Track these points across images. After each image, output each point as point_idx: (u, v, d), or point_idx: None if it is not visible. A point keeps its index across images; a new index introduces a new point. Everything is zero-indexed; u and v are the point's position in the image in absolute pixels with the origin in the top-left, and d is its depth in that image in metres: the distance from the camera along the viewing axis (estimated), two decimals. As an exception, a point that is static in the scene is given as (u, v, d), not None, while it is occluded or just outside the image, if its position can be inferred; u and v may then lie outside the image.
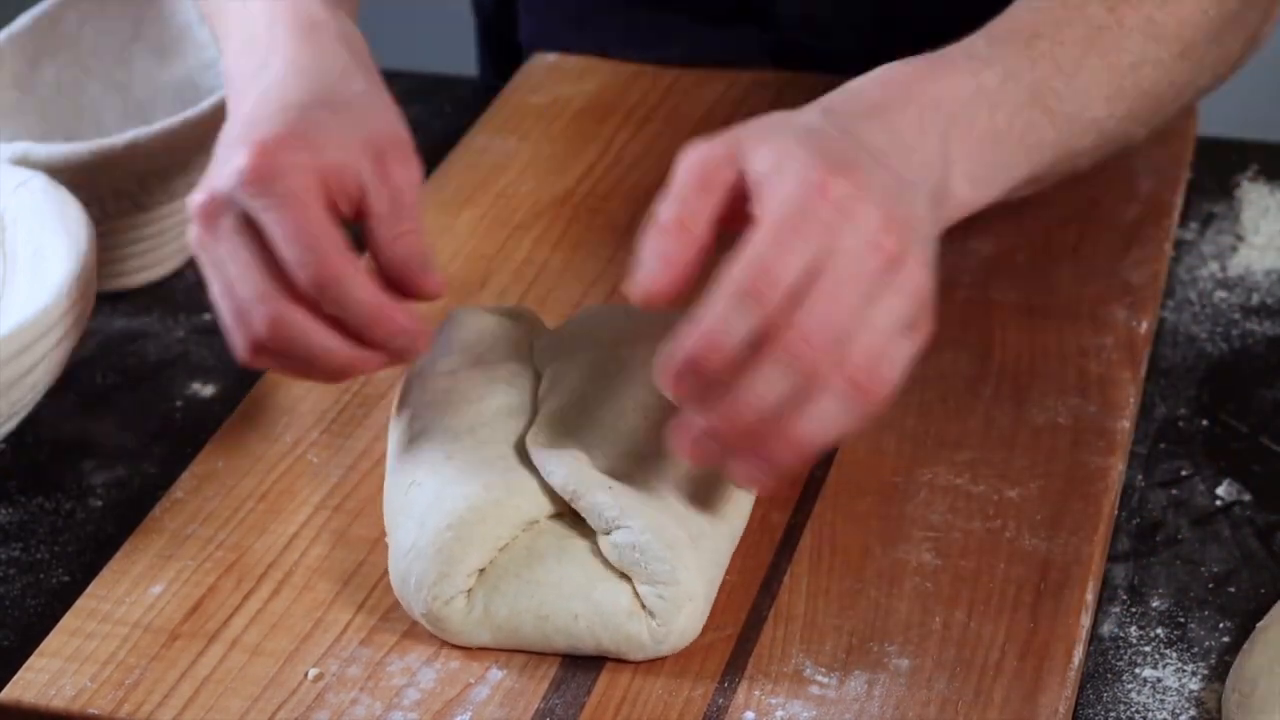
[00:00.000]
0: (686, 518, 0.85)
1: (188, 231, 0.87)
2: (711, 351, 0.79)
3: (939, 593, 0.88)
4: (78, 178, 1.08)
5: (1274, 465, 0.99)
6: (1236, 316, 1.10)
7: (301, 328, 0.84)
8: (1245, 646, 0.86)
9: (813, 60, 1.29)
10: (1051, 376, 1.01)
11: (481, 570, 0.85)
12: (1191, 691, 0.86)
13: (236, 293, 0.85)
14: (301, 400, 1.01)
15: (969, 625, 0.86)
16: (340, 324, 0.85)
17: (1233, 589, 0.92)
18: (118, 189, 1.12)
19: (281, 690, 0.84)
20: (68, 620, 0.88)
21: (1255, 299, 1.12)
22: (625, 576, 0.84)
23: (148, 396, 1.07)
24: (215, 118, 1.07)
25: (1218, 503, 0.97)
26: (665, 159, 1.22)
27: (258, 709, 0.83)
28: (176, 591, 0.90)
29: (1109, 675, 0.87)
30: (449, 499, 0.86)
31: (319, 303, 0.84)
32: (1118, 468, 0.95)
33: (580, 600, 0.84)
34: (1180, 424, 1.02)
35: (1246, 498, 0.97)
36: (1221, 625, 0.90)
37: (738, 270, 0.78)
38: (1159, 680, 0.87)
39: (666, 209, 0.82)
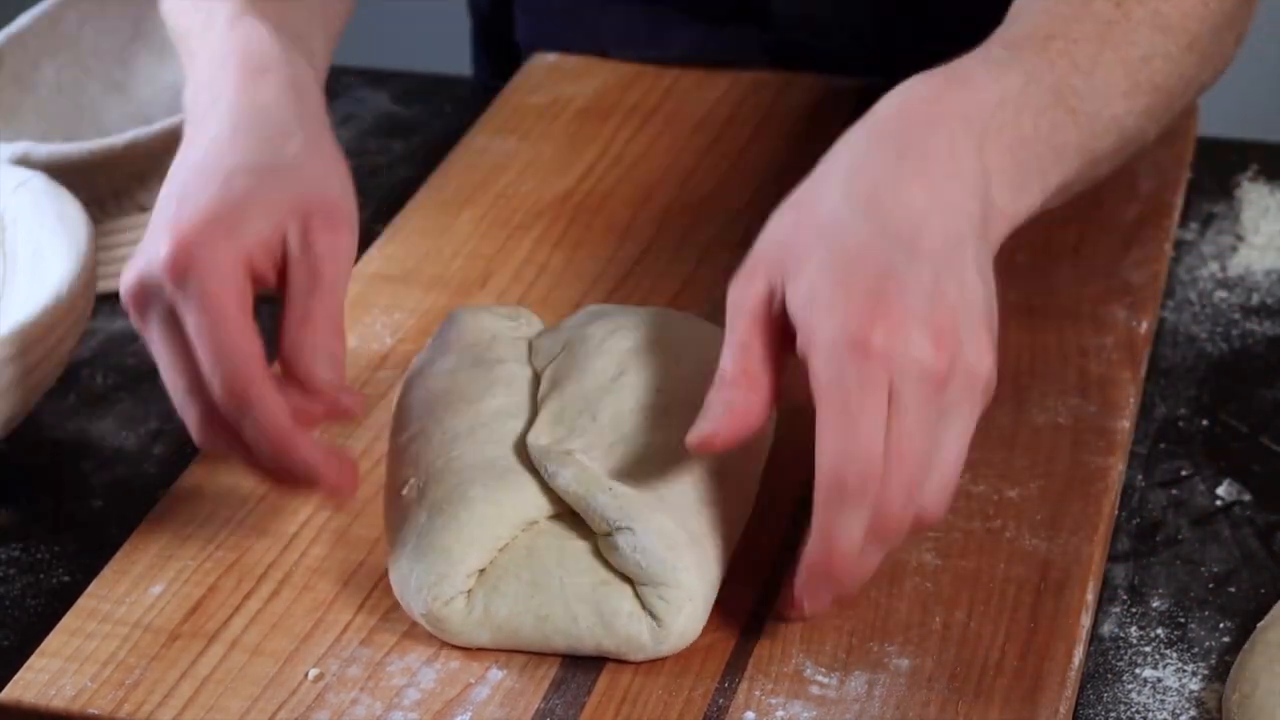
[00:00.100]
0: (687, 519, 0.85)
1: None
2: (843, 564, 0.81)
3: (939, 593, 0.88)
4: (78, 178, 1.08)
5: (1274, 465, 0.99)
6: (1236, 316, 1.10)
7: (226, 434, 0.85)
8: (1245, 646, 0.86)
9: (811, 59, 1.30)
10: (1051, 376, 1.01)
11: (481, 571, 0.85)
12: (1192, 692, 0.86)
13: (172, 381, 0.86)
14: (301, 400, 1.01)
15: (969, 625, 0.86)
16: None
17: (1233, 589, 0.92)
18: (118, 189, 1.12)
19: (281, 690, 0.84)
20: (68, 620, 0.88)
21: (1255, 299, 1.12)
22: (625, 578, 0.84)
23: (148, 396, 1.07)
24: (215, 118, 1.07)
25: (1218, 503, 0.97)
26: (665, 159, 1.23)
27: (258, 709, 0.83)
28: (176, 591, 0.90)
29: (1109, 675, 0.87)
30: (449, 500, 0.85)
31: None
32: (1118, 468, 0.95)
33: (580, 602, 0.84)
34: (1180, 424, 1.02)
35: (1246, 498, 0.97)
36: (1222, 625, 0.90)
37: (828, 474, 0.79)
38: (1159, 680, 0.87)
39: (729, 360, 0.83)
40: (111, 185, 1.11)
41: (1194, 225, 1.18)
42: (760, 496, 0.91)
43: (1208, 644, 0.89)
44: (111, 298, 1.15)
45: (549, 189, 1.19)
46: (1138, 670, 0.87)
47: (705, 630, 0.85)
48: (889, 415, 0.79)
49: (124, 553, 0.92)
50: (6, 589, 0.94)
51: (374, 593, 0.89)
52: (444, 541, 0.84)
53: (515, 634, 0.85)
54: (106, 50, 1.24)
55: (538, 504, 0.86)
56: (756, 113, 1.27)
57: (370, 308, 1.08)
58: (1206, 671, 0.87)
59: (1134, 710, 0.85)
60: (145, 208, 1.14)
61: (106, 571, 0.91)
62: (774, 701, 0.83)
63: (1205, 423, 1.03)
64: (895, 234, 0.82)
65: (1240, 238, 1.17)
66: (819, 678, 0.84)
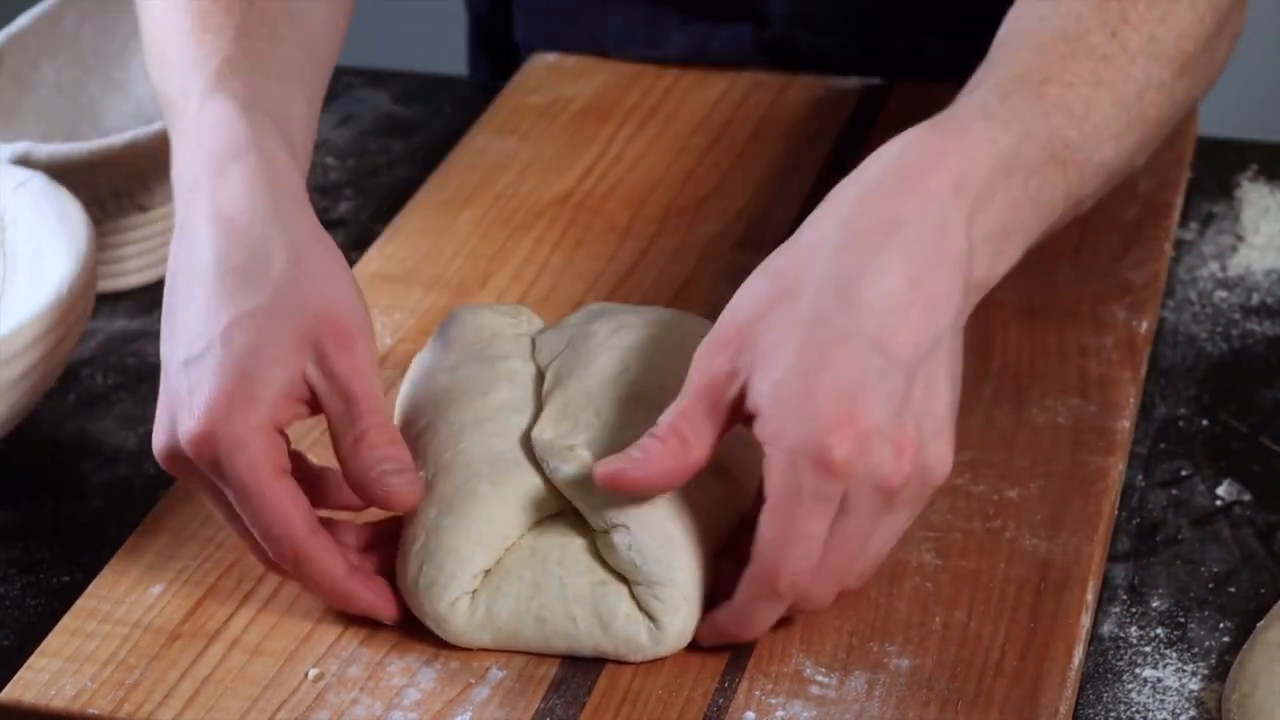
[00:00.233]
0: (686, 517, 0.85)
1: None
2: (751, 635, 0.85)
3: (939, 593, 0.88)
4: (78, 178, 1.08)
5: (1274, 465, 0.99)
6: (1236, 316, 1.10)
7: (292, 576, 0.86)
8: (1245, 646, 0.86)
9: (810, 59, 1.30)
10: (1051, 376, 1.01)
11: (487, 571, 0.85)
12: (1191, 691, 0.86)
13: (227, 527, 0.86)
14: (301, 400, 1.01)
15: (969, 625, 0.86)
16: None
17: (1233, 589, 0.92)
18: (118, 189, 1.12)
19: (282, 690, 0.84)
20: (68, 620, 0.88)
21: (1255, 299, 1.12)
22: (624, 578, 0.84)
23: (148, 396, 1.07)
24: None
25: (1218, 503, 0.97)
26: (665, 159, 1.23)
27: (258, 709, 0.83)
28: (176, 591, 0.89)
29: (1109, 675, 0.87)
30: (459, 496, 0.85)
31: None
32: (1118, 468, 0.95)
33: (578, 603, 0.84)
34: (1180, 424, 1.02)
35: (1246, 498, 0.97)
36: (1221, 625, 0.90)
37: (762, 570, 0.81)
38: (1159, 680, 0.87)
39: (670, 416, 0.83)
40: (111, 185, 1.11)
41: (1194, 225, 1.18)
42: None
43: (1208, 644, 0.89)
44: (111, 298, 1.15)
45: (549, 189, 1.19)
46: (1138, 670, 0.87)
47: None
48: (833, 531, 0.81)
49: (124, 553, 0.92)
50: (6, 589, 0.94)
51: (374, 593, 0.89)
52: (453, 541, 0.84)
53: (516, 635, 0.85)
54: (106, 50, 1.24)
55: (543, 501, 0.86)
56: (756, 113, 1.27)
57: (370, 308, 1.07)
58: (1206, 671, 0.87)
59: (1134, 710, 0.85)
60: (145, 208, 1.14)
61: (106, 571, 0.91)
62: (774, 701, 0.83)
63: (1205, 423, 1.03)
64: (872, 336, 0.81)
65: (1240, 238, 1.17)
66: (819, 678, 0.84)
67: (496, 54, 1.44)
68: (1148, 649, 0.89)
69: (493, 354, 0.93)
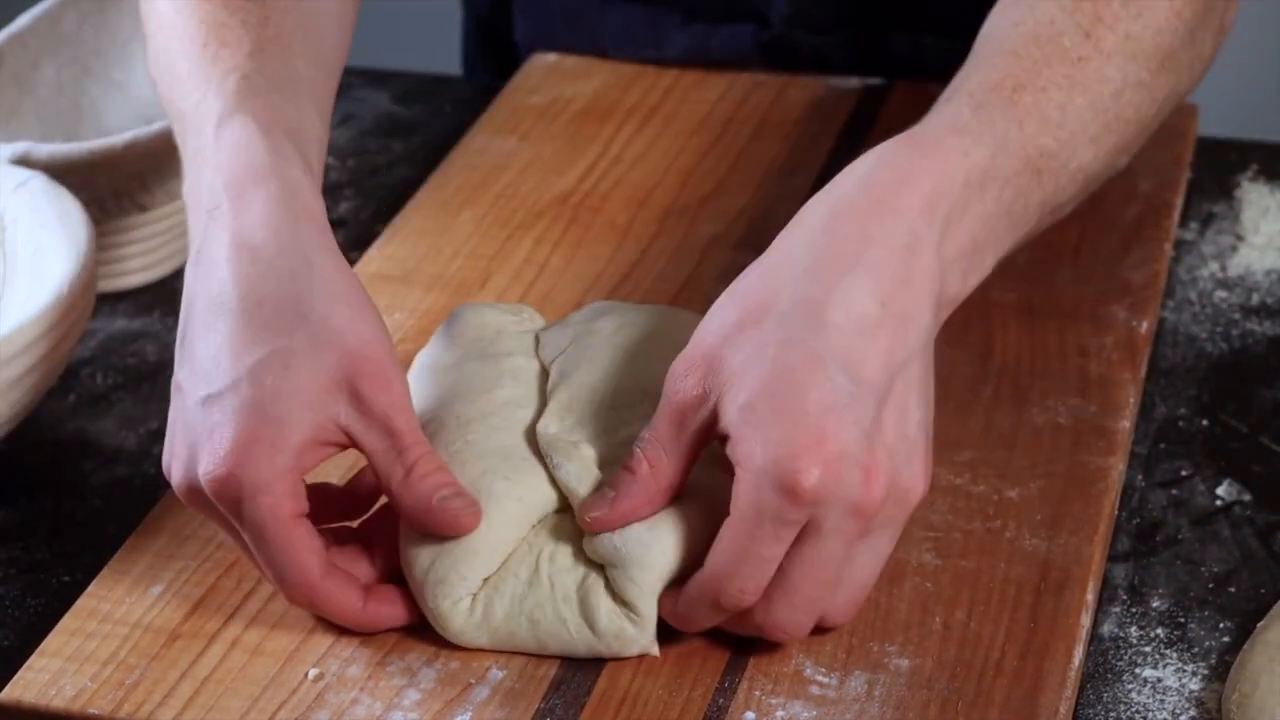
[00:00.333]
0: (676, 502, 0.85)
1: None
2: (682, 627, 0.84)
3: (939, 593, 0.88)
4: (78, 178, 1.08)
5: (1274, 465, 0.99)
6: (1236, 316, 1.10)
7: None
8: (1245, 646, 0.86)
9: (810, 59, 1.30)
10: (1051, 376, 1.01)
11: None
12: (1191, 691, 0.86)
13: (247, 560, 0.87)
14: (301, 400, 1.01)
15: (969, 625, 0.86)
16: None
17: (1233, 589, 0.92)
18: (118, 189, 1.12)
19: (282, 690, 0.84)
20: (68, 620, 0.88)
21: (1255, 299, 1.12)
22: (603, 572, 0.84)
23: (148, 396, 1.07)
24: (215, 118, 1.07)
25: (1218, 503, 0.97)
26: (665, 159, 1.23)
27: (258, 709, 0.83)
28: (176, 591, 0.89)
29: (1109, 675, 0.87)
30: (474, 492, 0.85)
31: None
32: (1118, 468, 0.95)
33: (565, 603, 0.84)
34: (1180, 424, 1.02)
35: (1246, 498, 0.97)
36: (1221, 625, 0.90)
37: (709, 581, 0.81)
38: (1159, 680, 0.87)
39: (643, 444, 0.83)
40: (111, 185, 1.11)
41: (1194, 225, 1.18)
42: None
43: (1208, 644, 0.89)
44: (111, 298, 1.15)
45: (549, 189, 1.19)
46: (1138, 670, 0.87)
47: (705, 630, 0.85)
48: (805, 537, 0.80)
49: (124, 553, 0.92)
50: (6, 589, 0.94)
51: (374, 593, 0.89)
52: (470, 542, 0.84)
53: (511, 637, 0.85)
54: (106, 50, 1.24)
55: (548, 498, 0.86)
56: (756, 113, 1.27)
57: (370, 308, 1.08)
58: (1206, 671, 0.87)
59: (1134, 710, 0.85)
60: (145, 208, 1.14)
61: (106, 571, 0.91)
62: (774, 701, 0.83)
63: (1205, 423, 1.03)
64: (841, 358, 0.80)
65: (1240, 238, 1.17)
66: (819, 678, 0.84)
67: (496, 54, 1.44)
68: (1148, 649, 0.89)
69: (496, 350, 0.93)
